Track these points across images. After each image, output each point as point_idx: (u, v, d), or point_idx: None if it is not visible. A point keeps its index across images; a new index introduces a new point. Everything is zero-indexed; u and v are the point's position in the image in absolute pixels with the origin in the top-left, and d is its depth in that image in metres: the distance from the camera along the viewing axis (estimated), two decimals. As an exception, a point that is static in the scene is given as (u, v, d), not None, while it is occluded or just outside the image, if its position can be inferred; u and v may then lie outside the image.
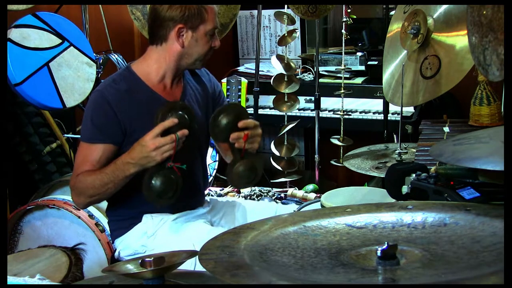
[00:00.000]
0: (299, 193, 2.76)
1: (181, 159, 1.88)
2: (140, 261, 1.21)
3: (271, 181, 3.27)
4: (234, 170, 1.96)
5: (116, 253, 2.12)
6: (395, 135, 3.23)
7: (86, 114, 2.02)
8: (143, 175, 1.88)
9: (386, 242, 1.01)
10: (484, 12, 1.37)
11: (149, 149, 1.83)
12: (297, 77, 3.53)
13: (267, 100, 3.61)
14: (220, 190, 2.91)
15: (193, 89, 2.18)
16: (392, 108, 3.21)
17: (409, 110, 3.33)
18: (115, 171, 1.91)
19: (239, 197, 2.82)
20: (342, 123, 3.16)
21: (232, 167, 1.97)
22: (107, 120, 1.97)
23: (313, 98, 3.37)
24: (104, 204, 2.24)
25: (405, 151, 2.19)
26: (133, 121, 1.99)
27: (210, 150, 3.11)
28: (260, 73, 3.40)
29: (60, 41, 2.74)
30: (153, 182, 1.84)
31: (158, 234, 2.05)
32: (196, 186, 2.19)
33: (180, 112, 1.87)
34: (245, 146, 1.94)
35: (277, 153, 3.28)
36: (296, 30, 3.30)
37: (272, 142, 3.33)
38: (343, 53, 3.21)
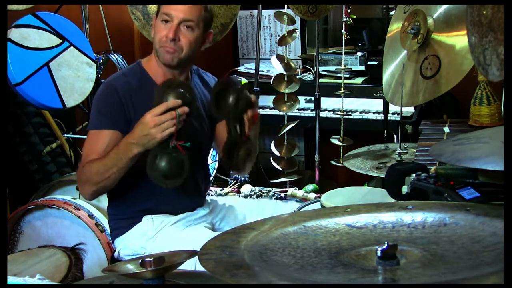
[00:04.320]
0: (299, 193, 2.76)
1: (183, 131, 1.87)
2: (140, 261, 1.21)
3: (271, 181, 3.27)
4: (240, 155, 1.96)
5: (116, 253, 2.12)
6: (395, 135, 3.23)
7: (94, 103, 2.05)
8: (145, 168, 1.87)
9: (386, 242, 1.01)
10: (484, 12, 1.37)
11: (149, 126, 1.83)
12: (297, 77, 3.53)
13: (267, 100, 3.61)
14: (220, 190, 2.90)
15: (200, 92, 2.19)
16: (392, 108, 3.20)
17: (409, 110, 3.33)
18: (118, 154, 1.91)
19: (239, 196, 2.82)
20: (342, 123, 3.16)
21: (236, 152, 1.97)
22: (115, 108, 1.99)
23: (313, 98, 3.37)
24: (104, 204, 2.25)
25: (405, 151, 2.19)
26: (138, 114, 1.98)
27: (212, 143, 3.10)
28: (260, 73, 3.40)
29: (60, 41, 2.74)
30: (157, 161, 1.83)
31: (158, 237, 2.04)
32: (197, 188, 2.19)
33: (181, 90, 1.86)
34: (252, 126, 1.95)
35: (277, 153, 3.28)
36: (296, 30, 3.30)
37: (272, 142, 3.33)
38: (343, 53, 3.21)
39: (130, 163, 1.92)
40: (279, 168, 3.30)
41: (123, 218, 2.11)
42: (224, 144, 1.99)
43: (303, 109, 3.68)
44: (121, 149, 1.91)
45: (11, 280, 1.45)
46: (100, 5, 3.32)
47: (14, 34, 2.58)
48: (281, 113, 3.35)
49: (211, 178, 3.19)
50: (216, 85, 2.02)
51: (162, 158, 1.83)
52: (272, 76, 3.29)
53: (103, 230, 2.38)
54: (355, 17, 3.18)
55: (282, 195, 2.78)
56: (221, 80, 2.02)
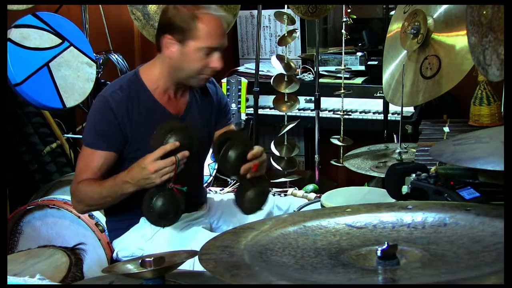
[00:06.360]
0: (299, 193, 2.76)
1: (181, 174, 1.87)
2: (140, 261, 1.21)
3: (271, 181, 3.27)
4: (246, 198, 1.97)
5: (115, 254, 2.12)
6: (395, 135, 3.23)
7: (90, 119, 2.02)
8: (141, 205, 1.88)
9: (386, 242, 1.01)
10: (484, 12, 1.37)
11: (148, 172, 1.82)
12: (297, 77, 3.52)
13: (267, 100, 3.61)
14: (220, 190, 2.91)
15: (198, 102, 2.15)
16: (392, 108, 3.21)
17: (409, 110, 3.33)
18: (114, 187, 1.91)
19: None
20: (342, 123, 3.16)
21: (243, 195, 1.98)
22: (110, 128, 1.96)
23: (313, 98, 3.37)
24: (104, 204, 2.24)
25: (405, 151, 2.19)
26: (135, 130, 1.98)
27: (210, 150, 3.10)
28: (260, 73, 3.39)
29: (60, 41, 2.74)
30: (153, 203, 1.83)
31: (156, 238, 2.04)
32: (195, 196, 2.18)
33: (181, 134, 1.85)
34: (254, 174, 1.95)
35: (277, 153, 3.28)
36: (296, 30, 3.29)
37: (272, 142, 3.33)
38: (343, 53, 3.21)
39: (125, 197, 1.93)
40: (279, 168, 3.30)
41: (120, 220, 2.11)
42: (236, 190, 2.03)
43: (303, 109, 3.67)
44: (118, 183, 1.91)
45: (11, 280, 1.45)
46: (100, 5, 3.32)
47: (14, 34, 2.58)
48: (281, 113, 3.35)
49: (211, 178, 3.20)
50: (217, 138, 2.02)
51: (158, 199, 1.84)
52: (272, 76, 3.29)
53: (103, 230, 2.38)
54: (355, 17, 3.18)
55: (282, 195, 2.78)
56: (224, 133, 2.03)
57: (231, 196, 2.48)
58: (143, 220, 2.07)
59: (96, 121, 1.99)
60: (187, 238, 2.00)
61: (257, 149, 1.94)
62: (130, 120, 1.98)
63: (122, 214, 2.10)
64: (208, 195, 2.36)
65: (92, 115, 2.02)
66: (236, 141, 1.95)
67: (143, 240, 2.05)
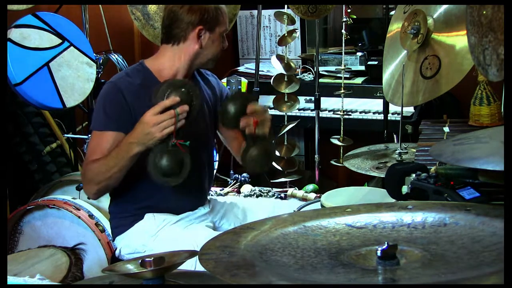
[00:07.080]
0: (299, 193, 2.76)
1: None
2: (140, 261, 1.21)
3: (271, 181, 3.27)
4: (248, 155, 2.01)
5: (117, 251, 2.12)
6: (395, 135, 3.23)
7: (99, 103, 2.05)
8: (146, 165, 1.88)
9: (386, 242, 1.01)
10: (484, 12, 1.37)
11: (149, 125, 1.85)
12: (297, 77, 3.52)
13: (267, 100, 3.60)
14: (220, 190, 2.91)
15: (203, 91, 2.21)
16: (392, 108, 3.20)
17: (409, 110, 3.33)
18: (119, 153, 1.92)
19: (239, 197, 2.82)
20: (342, 123, 3.16)
21: (246, 153, 2.02)
22: (120, 109, 2.00)
23: (313, 98, 3.37)
24: (104, 204, 2.25)
25: (405, 151, 2.19)
26: (143, 114, 1.99)
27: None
28: (260, 73, 3.40)
29: (60, 41, 2.74)
30: (156, 160, 1.85)
31: (160, 235, 2.05)
32: (200, 185, 2.19)
33: (182, 89, 1.88)
34: (256, 131, 1.99)
35: (277, 153, 3.28)
36: (296, 30, 3.29)
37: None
38: (343, 53, 3.21)
39: (131, 162, 1.93)
40: (279, 168, 3.30)
41: (125, 216, 2.11)
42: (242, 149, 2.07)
43: (303, 109, 3.67)
44: (122, 148, 1.92)
45: (11, 280, 1.45)
46: (100, 5, 3.32)
47: (14, 34, 2.58)
48: (281, 113, 3.35)
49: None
50: (225, 100, 2.09)
51: (162, 156, 1.85)
52: (272, 76, 3.29)
53: (103, 230, 2.39)
54: (355, 17, 3.18)
55: (282, 195, 2.78)
56: (229, 96, 2.13)
57: (234, 198, 2.48)
58: (147, 216, 2.08)
59: (105, 103, 2.02)
60: (191, 235, 2.01)
61: (258, 105, 2.03)
62: (139, 104, 2.00)
63: (127, 210, 2.11)
64: (210, 197, 2.37)
65: (100, 100, 2.05)
66: (239, 96, 2.05)
67: (147, 236, 2.05)
